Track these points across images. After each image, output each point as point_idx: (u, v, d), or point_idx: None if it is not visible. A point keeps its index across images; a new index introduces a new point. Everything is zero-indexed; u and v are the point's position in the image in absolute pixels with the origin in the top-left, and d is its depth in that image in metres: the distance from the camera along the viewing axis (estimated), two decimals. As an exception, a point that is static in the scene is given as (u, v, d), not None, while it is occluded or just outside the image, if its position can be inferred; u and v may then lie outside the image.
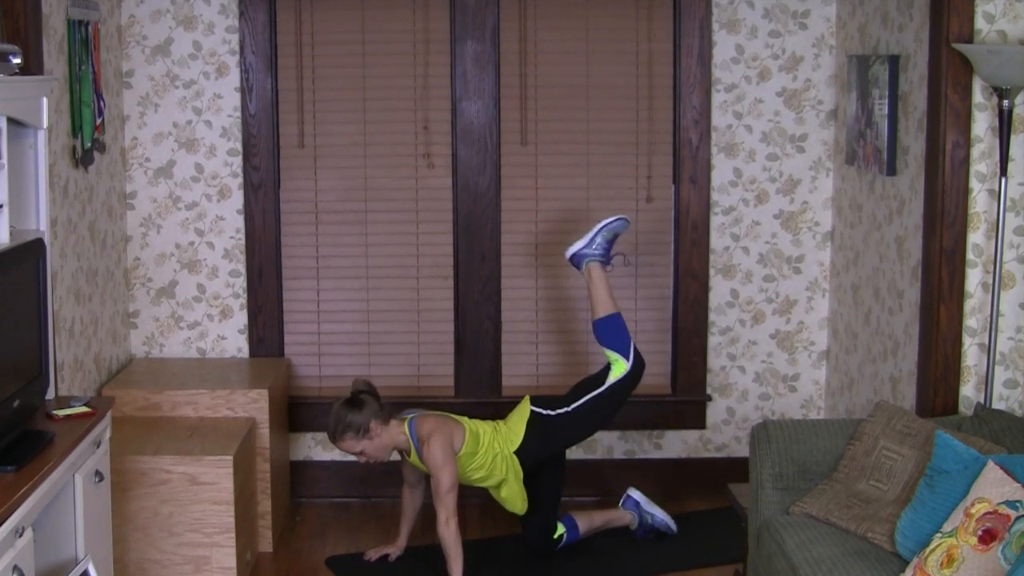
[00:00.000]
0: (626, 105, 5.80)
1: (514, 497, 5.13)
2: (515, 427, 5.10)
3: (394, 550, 5.24)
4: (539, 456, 5.13)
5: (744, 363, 5.93)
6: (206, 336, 5.84)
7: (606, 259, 5.25)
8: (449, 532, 4.87)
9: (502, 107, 5.76)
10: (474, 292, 5.83)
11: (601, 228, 5.23)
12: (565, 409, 5.13)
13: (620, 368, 5.16)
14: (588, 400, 5.14)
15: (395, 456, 5.18)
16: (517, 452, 5.08)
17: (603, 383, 5.16)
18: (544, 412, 5.12)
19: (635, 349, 5.19)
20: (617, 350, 5.17)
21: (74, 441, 3.80)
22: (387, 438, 4.96)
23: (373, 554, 5.24)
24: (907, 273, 4.86)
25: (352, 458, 5.84)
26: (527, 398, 5.18)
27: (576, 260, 5.26)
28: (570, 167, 5.83)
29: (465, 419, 5.08)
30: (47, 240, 4.08)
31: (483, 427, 5.07)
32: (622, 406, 5.24)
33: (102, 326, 5.33)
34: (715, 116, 5.78)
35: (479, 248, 5.80)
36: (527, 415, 5.11)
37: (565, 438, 5.20)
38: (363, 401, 4.94)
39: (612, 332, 5.18)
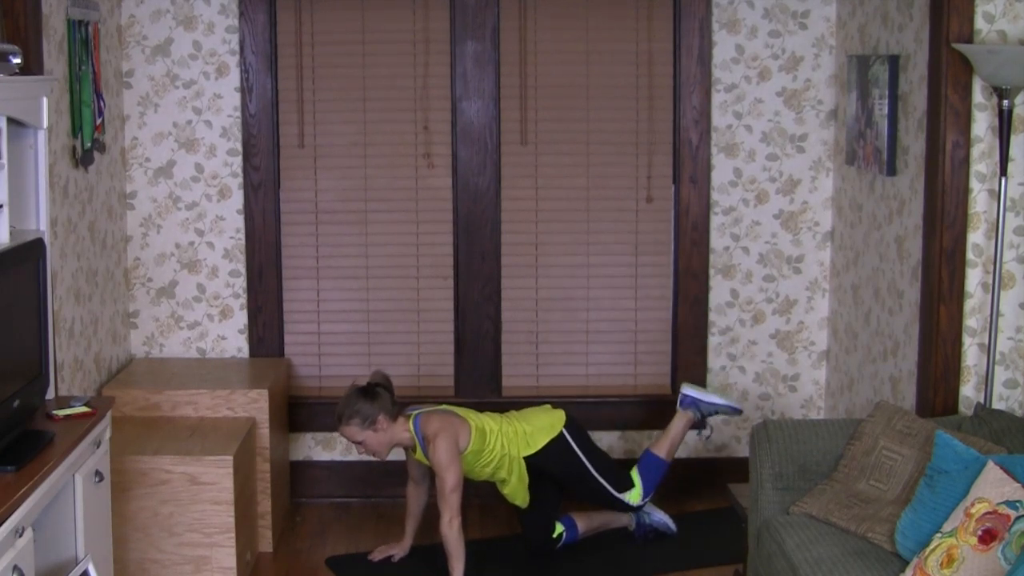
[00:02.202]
0: (626, 105, 5.80)
1: (515, 494, 5.15)
2: (537, 436, 5.10)
3: (399, 550, 5.23)
4: (545, 471, 5.15)
5: (744, 363, 5.93)
6: (206, 336, 5.84)
7: (701, 421, 5.49)
8: (452, 532, 4.87)
9: (502, 107, 5.76)
10: (474, 292, 5.82)
11: (726, 405, 5.46)
12: (586, 463, 5.19)
13: (635, 496, 5.29)
14: (603, 484, 5.23)
15: (398, 456, 5.18)
16: (527, 458, 5.08)
17: (621, 491, 5.26)
18: (571, 444, 5.16)
19: (650, 499, 5.36)
20: (644, 485, 5.29)
21: (74, 441, 3.80)
22: (391, 435, 4.96)
23: (377, 555, 5.24)
24: (907, 273, 4.86)
25: (352, 457, 5.86)
26: (562, 415, 5.19)
27: (686, 403, 5.45)
28: (570, 167, 5.83)
29: (471, 414, 5.07)
30: (47, 240, 4.08)
31: (490, 423, 5.06)
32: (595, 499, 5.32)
33: (102, 326, 5.33)
34: (715, 116, 5.78)
35: (479, 248, 5.80)
36: (555, 434, 5.12)
37: (566, 479, 5.21)
38: (377, 393, 4.95)
39: (654, 472, 5.33)
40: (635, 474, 5.29)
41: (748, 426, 5.92)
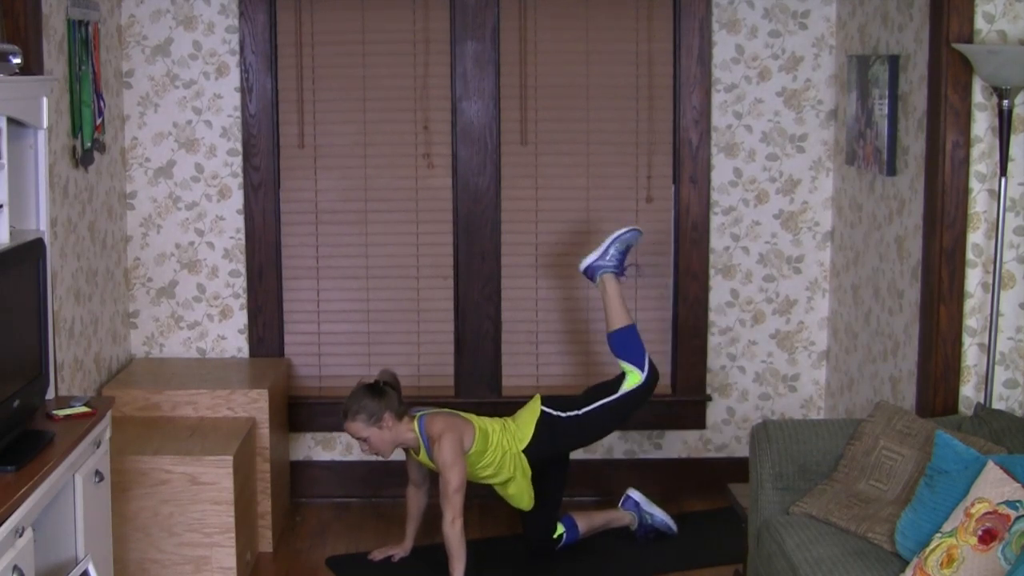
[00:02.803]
0: (626, 105, 5.80)
1: (521, 494, 5.14)
2: (524, 426, 5.10)
3: (399, 551, 5.23)
4: (546, 455, 5.14)
5: (744, 363, 5.93)
6: (206, 336, 5.84)
7: (620, 270, 5.27)
8: (454, 532, 4.86)
9: (502, 107, 5.76)
10: (474, 292, 5.82)
11: (614, 239, 5.24)
12: (575, 412, 5.14)
13: (635, 379, 5.18)
14: (599, 406, 5.15)
15: (398, 456, 5.18)
16: (525, 450, 5.08)
17: (616, 391, 5.16)
18: (554, 413, 5.13)
19: (649, 360, 5.21)
20: (632, 362, 5.18)
21: (74, 441, 3.80)
22: (395, 434, 4.96)
23: (378, 555, 5.24)
24: (907, 273, 4.86)
25: (352, 458, 5.86)
26: (537, 397, 5.18)
27: (590, 272, 5.27)
28: (570, 167, 5.83)
29: (474, 417, 5.08)
30: (47, 240, 4.08)
31: (492, 425, 5.07)
32: (633, 414, 5.24)
33: (102, 326, 5.33)
34: (715, 116, 5.78)
35: (479, 248, 5.80)
36: (537, 415, 5.12)
37: (573, 440, 5.20)
38: (385, 391, 4.95)
39: (627, 344, 5.20)
40: (621, 364, 5.21)
41: (748, 426, 5.92)
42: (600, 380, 5.39)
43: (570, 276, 5.85)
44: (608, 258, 5.23)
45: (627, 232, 5.26)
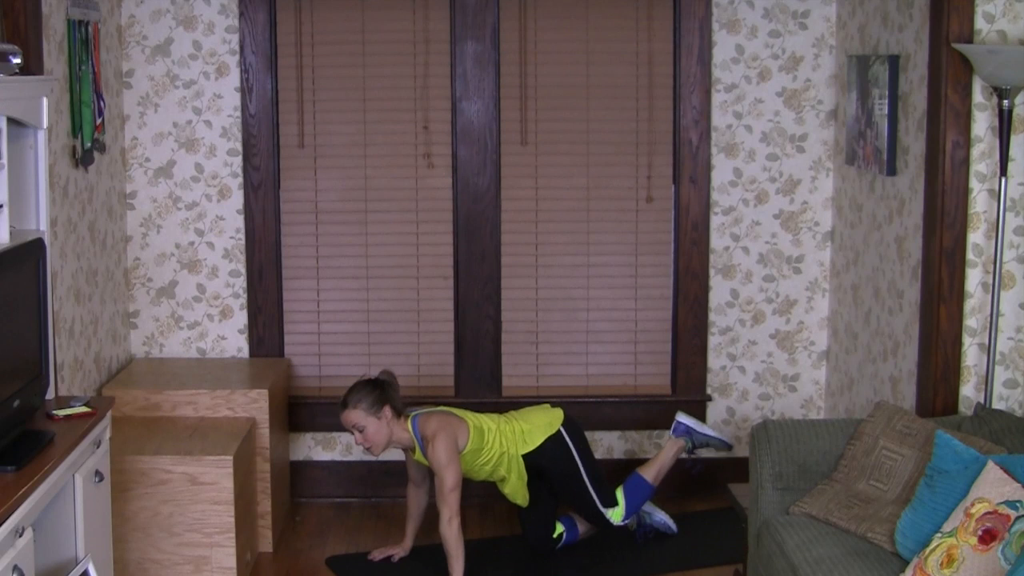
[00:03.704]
0: (626, 105, 5.80)
1: (515, 493, 5.16)
2: (535, 433, 5.10)
3: (399, 551, 5.24)
4: (542, 469, 5.15)
5: (744, 363, 5.93)
6: (206, 336, 5.84)
7: (691, 451, 5.49)
8: (451, 531, 4.87)
9: (502, 107, 5.76)
10: (474, 292, 5.83)
11: (716, 438, 5.47)
12: (580, 466, 5.18)
13: (617, 516, 5.26)
14: (590, 493, 5.20)
15: (398, 456, 5.18)
16: (526, 455, 5.08)
17: (605, 505, 5.23)
18: (568, 444, 5.14)
19: (631, 522, 5.35)
20: (627, 504, 5.27)
21: (74, 441, 3.80)
22: (392, 430, 4.96)
23: (378, 555, 5.24)
24: (907, 273, 4.86)
25: (352, 458, 5.85)
26: (560, 414, 5.19)
27: (679, 431, 5.46)
28: (570, 167, 5.83)
29: (469, 414, 5.08)
30: (47, 240, 4.08)
31: (487, 423, 5.07)
32: (588, 521, 5.31)
33: (102, 326, 5.33)
34: (715, 116, 5.78)
35: (479, 248, 5.80)
36: (552, 432, 5.12)
37: (559, 478, 5.19)
38: (386, 385, 4.98)
39: (638, 495, 5.31)
40: (620, 493, 5.28)
41: (748, 426, 5.92)
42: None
43: (570, 276, 5.85)
44: (698, 436, 5.46)
45: (725, 445, 5.51)
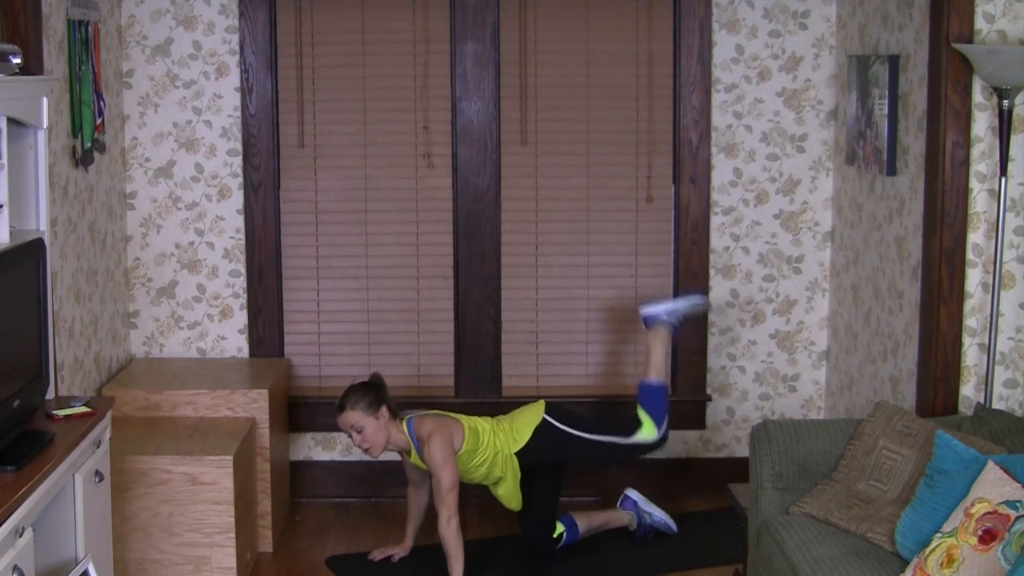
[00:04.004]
0: (626, 105, 5.80)
1: (510, 496, 5.15)
2: (522, 429, 5.10)
3: (399, 551, 5.24)
4: (538, 463, 5.14)
5: (744, 363, 5.93)
6: (206, 336, 5.84)
7: (676, 330, 5.41)
8: (450, 531, 4.87)
9: (502, 107, 5.76)
10: (474, 292, 5.83)
11: (688, 305, 5.37)
12: (578, 433, 5.14)
13: (649, 432, 5.21)
14: (606, 442, 5.17)
15: (397, 456, 5.18)
16: (518, 453, 5.08)
17: (629, 435, 5.19)
18: (556, 425, 5.13)
19: (668, 423, 5.26)
20: (652, 416, 5.22)
21: (74, 441, 3.80)
22: (389, 430, 4.97)
23: (378, 555, 5.24)
24: (907, 273, 4.86)
25: (352, 458, 5.85)
26: (541, 403, 5.18)
27: (649, 321, 5.37)
28: (570, 167, 5.83)
29: (463, 417, 5.08)
30: (47, 240, 4.08)
31: (482, 424, 5.07)
32: (630, 461, 5.23)
33: (102, 326, 5.33)
34: (715, 116, 5.78)
35: (479, 248, 5.80)
36: (538, 421, 5.11)
37: (565, 456, 5.20)
38: (380, 387, 4.99)
39: (655, 399, 5.25)
40: (640, 412, 5.24)
41: (748, 426, 5.92)
42: (618, 408, 5.46)
43: (570, 276, 5.85)
44: (674, 316, 5.36)
45: (699, 302, 5.43)
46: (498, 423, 5.12)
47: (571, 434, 5.14)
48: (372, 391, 4.96)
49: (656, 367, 5.30)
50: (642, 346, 5.89)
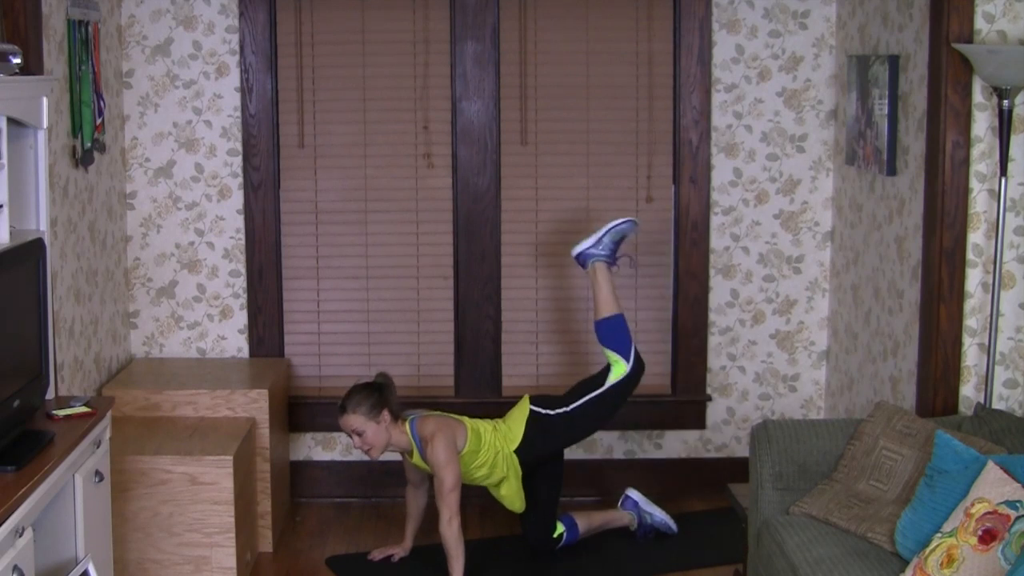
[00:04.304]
0: (626, 105, 5.80)
1: (513, 496, 5.14)
2: (515, 426, 5.10)
3: (399, 551, 5.24)
4: (538, 455, 5.14)
5: (744, 363, 5.93)
6: (206, 336, 5.84)
7: (612, 260, 5.26)
8: (451, 531, 4.87)
9: (502, 107, 5.76)
10: (474, 292, 5.83)
11: (609, 229, 5.23)
12: (564, 409, 5.14)
13: (620, 369, 5.17)
14: (587, 401, 5.15)
15: (396, 456, 5.18)
16: (517, 451, 5.08)
17: (603, 384, 5.16)
18: (543, 412, 5.13)
19: (636, 351, 5.19)
20: (618, 351, 5.17)
21: (74, 441, 3.80)
22: (390, 433, 4.97)
23: (378, 554, 5.24)
24: (907, 273, 4.86)
25: (352, 458, 5.86)
26: (526, 397, 5.19)
27: (582, 259, 5.26)
28: (570, 167, 5.83)
29: (465, 418, 5.08)
30: (47, 240, 4.08)
31: (484, 425, 5.08)
32: (621, 407, 5.24)
33: (102, 326, 5.33)
34: (715, 116, 5.78)
35: (479, 248, 5.80)
36: (526, 414, 5.12)
37: (564, 437, 5.20)
38: (384, 388, 4.98)
39: (614, 333, 5.19)
40: (606, 353, 5.20)
41: (748, 426, 5.92)
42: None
43: (570, 276, 5.85)
44: (601, 247, 5.23)
45: (623, 223, 5.25)
46: (495, 425, 5.13)
47: (557, 414, 5.14)
48: (375, 394, 4.95)
49: (605, 303, 5.20)
50: (642, 345, 5.90)
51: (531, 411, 5.12)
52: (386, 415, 4.94)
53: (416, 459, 5.03)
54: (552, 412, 5.13)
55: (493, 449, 5.05)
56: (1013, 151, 4.43)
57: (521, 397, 5.21)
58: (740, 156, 5.80)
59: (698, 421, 5.93)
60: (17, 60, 3.92)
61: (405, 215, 5.83)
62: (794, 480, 4.28)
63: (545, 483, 5.21)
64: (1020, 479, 3.59)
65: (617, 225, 5.24)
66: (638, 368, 5.19)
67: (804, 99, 5.78)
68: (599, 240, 5.23)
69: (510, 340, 5.90)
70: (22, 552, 3.33)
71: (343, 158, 5.80)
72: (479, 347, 5.86)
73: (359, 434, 4.94)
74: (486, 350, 5.86)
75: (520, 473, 5.12)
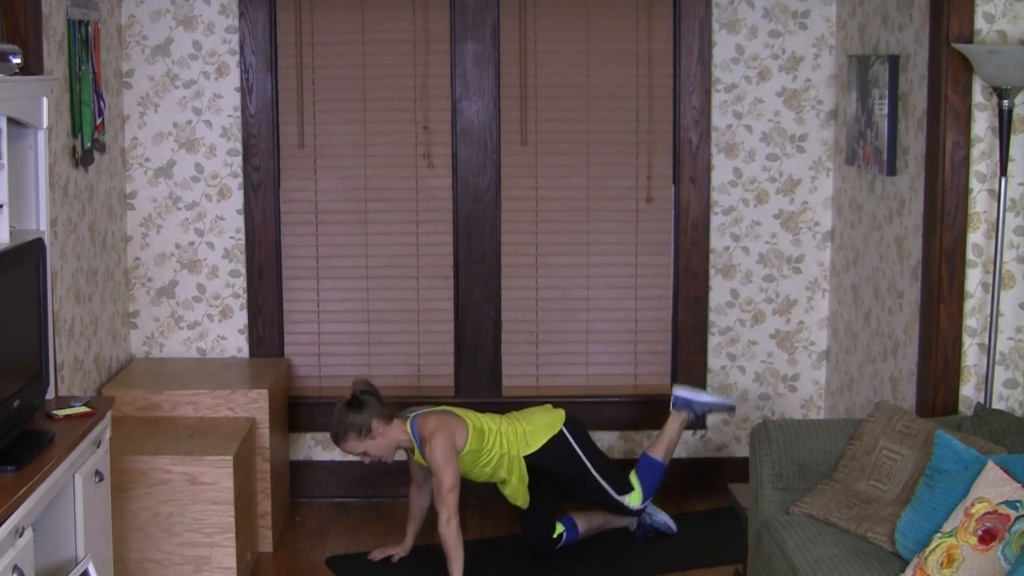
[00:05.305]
0: (626, 105, 5.80)
1: (516, 495, 5.15)
2: (536, 434, 5.10)
3: (399, 551, 5.24)
4: (548, 470, 5.15)
5: (744, 363, 5.93)
6: (206, 336, 5.84)
7: (697, 420, 5.50)
8: (450, 531, 4.87)
9: (502, 107, 5.76)
10: (474, 292, 5.82)
11: (719, 403, 5.47)
12: (587, 463, 5.19)
13: (635, 500, 5.28)
14: (603, 486, 5.22)
15: (398, 455, 5.18)
16: (528, 457, 5.08)
17: (621, 493, 5.25)
18: (572, 444, 5.16)
19: (651, 502, 5.35)
20: (643, 489, 5.29)
21: (74, 441, 3.80)
22: (390, 437, 4.96)
23: (378, 554, 5.24)
24: (907, 273, 4.86)
25: (352, 457, 5.85)
26: (562, 413, 5.19)
27: (679, 404, 5.44)
28: (570, 167, 5.83)
29: (470, 414, 5.07)
30: (47, 240, 4.08)
31: (488, 423, 5.06)
32: (606, 511, 5.34)
33: (102, 326, 5.33)
34: (715, 116, 5.78)
35: (479, 248, 5.80)
36: (555, 432, 5.12)
37: (567, 479, 5.20)
38: (364, 402, 4.94)
39: (652, 475, 5.33)
40: (634, 477, 5.29)
41: (748, 426, 5.92)
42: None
43: (570, 276, 5.86)
44: (698, 406, 5.45)
45: (729, 407, 5.50)
46: (508, 423, 5.10)
47: (581, 460, 5.16)
48: (356, 412, 4.91)
49: (665, 448, 5.37)
50: (642, 345, 5.90)
51: (561, 432, 5.13)
52: (377, 426, 4.92)
53: (417, 457, 5.03)
54: (578, 452, 5.17)
55: (499, 450, 5.04)
56: (1013, 151, 4.43)
57: (528, 399, 5.21)
58: (740, 156, 5.80)
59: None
60: (17, 60, 3.92)
61: (405, 215, 5.83)
62: (794, 480, 4.28)
63: (547, 484, 5.21)
64: (1020, 479, 3.59)
65: (725, 404, 5.48)
66: (638, 513, 5.32)
67: (804, 99, 5.78)
68: (705, 402, 5.45)
69: (510, 340, 5.90)
70: (22, 552, 3.33)
71: (343, 158, 5.80)
72: (479, 347, 5.86)
73: (362, 454, 4.95)
74: (486, 350, 5.86)
75: (526, 479, 5.11)
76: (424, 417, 5.00)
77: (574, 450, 5.16)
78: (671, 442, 5.38)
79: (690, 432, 5.94)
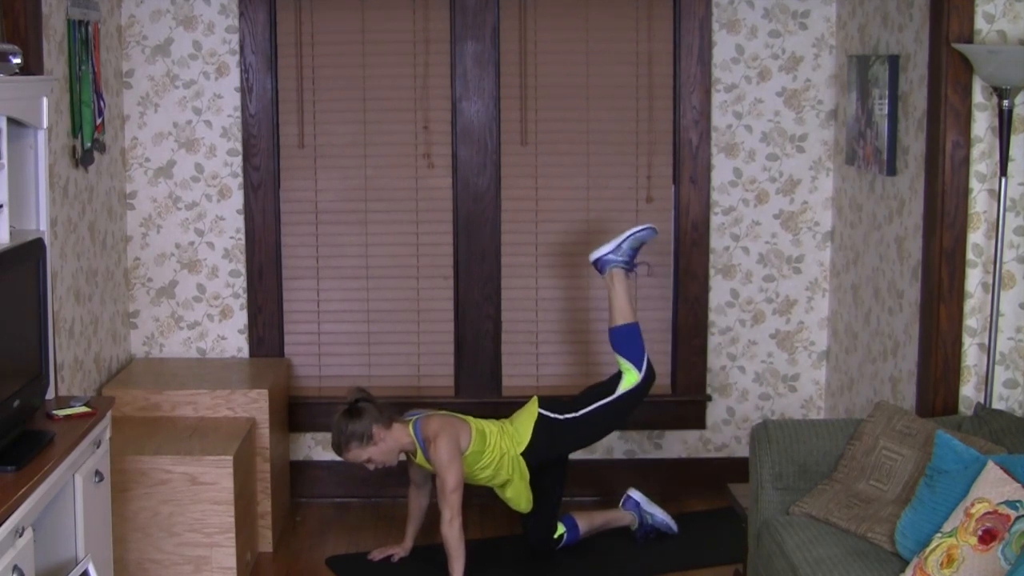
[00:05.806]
0: (626, 105, 5.80)
1: (519, 497, 5.14)
2: (522, 428, 5.10)
3: (399, 551, 5.24)
4: (545, 458, 5.14)
5: (744, 363, 5.93)
6: (206, 336, 5.84)
7: (630, 267, 5.25)
8: (452, 532, 4.87)
9: (502, 107, 5.76)
10: (474, 292, 5.83)
11: (629, 236, 5.23)
12: (573, 414, 5.13)
13: (631, 378, 5.17)
14: (597, 407, 5.14)
15: (400, 457, 5.19)
16: (523, 453, 5.08)
17: (613, 391, 5.16)
18: (552, 416, 5.12)
19: (648, 360, 5.20)
20: (630, 360, 5.18)
21: (74, 441, 3.80)
22: (392, 442, 4.96)
23: (378, 554, 5.24)
24: (907, 273, 4.86)
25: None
26: (535, 399, 5.18)
27: (600, 264, 5.25)
28: (570, 167, 5.83)
29: (471, 418, 5.08)
30: (47, 240, 4.08)
31: (489, 426, 5.07)
32: (630, 414, 5.24)
33: (102, 326, 5.33)
34: (715, 116, 5.78)
35: (479, 248, 5.80)
36: (535, 417, 5.11)
37: (571, 442, 5.19)
38: (362, 409, 4.93)
39: (628, 341, 5.19)
40: (619, 360, 5.20)
41: (748, 426, 5.92)
42: (598, 380, 5.40)
43: (570, 276, 5.86)
44: (620, 253, 5.21)
45: (642, 230, 5.24)
46: (503, 426, 5.12)
47: (566, 419, 5.13)
48: (356, 420, 4.91)
49: (620, 311, 5.20)
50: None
51: (539, 414, 5.12)
52: (377, 432, 4.92)
53: (420, 459, 5.02)
54: (561, 417, 5.13)
55: (499, 451, 5.04)
56: (1013, 151, 4.43)
57: (528, 399, 5.21)
58: (740, 156, 5.81)
59: (698, 421, 5.93)
60: (17, 60, 3.92)
61: (405, 215, 5.83)
62: (794, 480, 4.28)
63: (548, 484, 5.21)
64: (1020, 479, 3.59)
65: (637, 232, 5.23)
66: (649, 377, 5.20)
67: (804, 99, 5.78)
68: (618, 246, 5.22)
69: (510, 340, 5.90)
70: (22, 552, 3.33)
71: (343, 158, 5.80)
72: (479, 347, 5.86)
73: (366, 461, 4.95)
74: (486, 350, 5.86)
75: (527, 476, 5.11)
76: (427, 419, 5.00)
77: (555, 419, 5.11)
78: (622, 303, 5.19)
79: (690, 432, 5.94)
